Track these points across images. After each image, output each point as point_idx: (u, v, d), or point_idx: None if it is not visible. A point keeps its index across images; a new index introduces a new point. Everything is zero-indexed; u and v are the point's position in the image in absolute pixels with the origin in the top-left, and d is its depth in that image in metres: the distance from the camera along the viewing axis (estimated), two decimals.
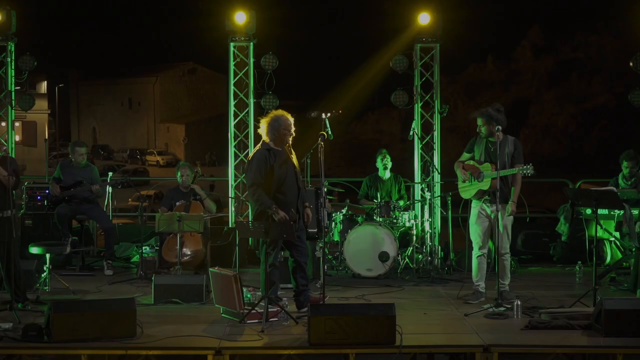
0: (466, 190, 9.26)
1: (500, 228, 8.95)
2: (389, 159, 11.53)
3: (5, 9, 12.21)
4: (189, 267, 10.56)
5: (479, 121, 9.04)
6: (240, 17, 12.26)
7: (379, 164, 11.55)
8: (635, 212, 10.11)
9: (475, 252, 9.22)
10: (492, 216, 8.94)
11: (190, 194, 10.91)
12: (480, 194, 9.08)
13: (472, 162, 9.16)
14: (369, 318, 7.20)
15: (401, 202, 11.32)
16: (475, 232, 9.20)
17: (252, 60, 12.50)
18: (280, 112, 8.68)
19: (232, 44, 12.50)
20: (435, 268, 11.08)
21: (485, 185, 8.98)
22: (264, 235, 8.14)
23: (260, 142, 8.66)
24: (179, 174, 11.11)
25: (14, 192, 8.68)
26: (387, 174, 11.55)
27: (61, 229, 11.03)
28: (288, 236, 8.25)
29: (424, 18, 12.14)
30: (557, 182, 13.74)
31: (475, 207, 9.20)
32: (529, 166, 8.87)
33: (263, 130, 8.63)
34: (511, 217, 9.09)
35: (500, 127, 8.84)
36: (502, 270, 9.08)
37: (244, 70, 12.56)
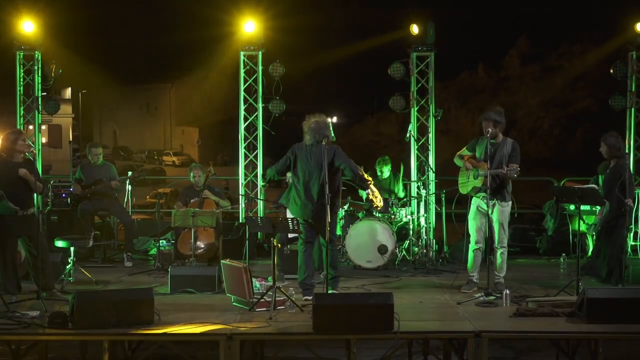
0: (463, 186, 9.24)
1: (496, 224, 8.93)
2: (387, 168, 11.52)
3: (33, 20, 12.24)
4: (203, 259, 10.58)
5: (484, 124, 8.89)
6: (250, 26, 12.27)
7: (377, 170, 11.54)
8: None
9: (471, 246, 9.17)
10: (489, 212, 8.93)
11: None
12: (475, 191, 9.06)
13: (473, 161, 9.10)
14: (369, 306, 7.20)
15: (401, 194, 11.38)
16: (472, 227, 9.15)
17: (260, 67, 12.52)
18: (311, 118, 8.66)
19: (242, 53, 12.53)
20: (430, 260, 11.09)
21: (478, 182, 8.95)
22: (272, 230, 8.17)
23: (324, 142, 8.51)
24: (191, 174, 11.13)
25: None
26: (385, 174, 11.56)
27: (84, 224, 11.05)
28: (294, 231, 8.31)
29: (416, 28, 12.13)
30: (543, 181, 13.69)
31: (473, 204, 9.16)
32: (514, 167, 8.77)
33: (323, 132, 8.53)
34: (507, 214, 9.00)
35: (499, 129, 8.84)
36: (500, 263, 9.03)
37: (253, 77, 12.59)
